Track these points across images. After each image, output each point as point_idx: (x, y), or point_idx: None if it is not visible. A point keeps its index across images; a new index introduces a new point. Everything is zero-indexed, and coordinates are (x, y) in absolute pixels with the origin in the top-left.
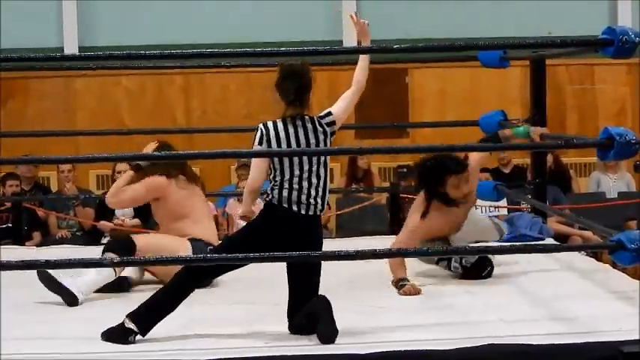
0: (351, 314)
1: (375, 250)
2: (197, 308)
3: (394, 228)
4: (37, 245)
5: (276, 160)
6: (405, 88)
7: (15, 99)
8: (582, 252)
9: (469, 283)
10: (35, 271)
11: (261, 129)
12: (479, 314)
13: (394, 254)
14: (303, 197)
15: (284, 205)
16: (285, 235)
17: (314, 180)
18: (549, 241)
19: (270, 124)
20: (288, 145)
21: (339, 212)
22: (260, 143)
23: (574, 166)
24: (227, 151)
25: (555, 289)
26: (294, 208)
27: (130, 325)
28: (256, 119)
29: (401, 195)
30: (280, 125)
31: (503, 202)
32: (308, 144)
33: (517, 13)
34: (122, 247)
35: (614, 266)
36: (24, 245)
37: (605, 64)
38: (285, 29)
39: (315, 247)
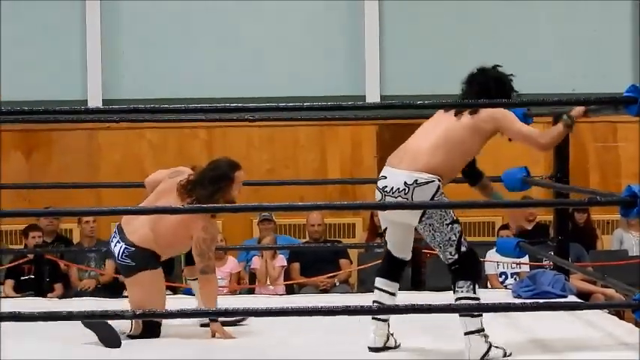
0: None
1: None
2: None
3: (415, 283)
4: (59, 297)
5: None
6: None
7: (39, 151)
8: (605, 310)
9: (493, 335)
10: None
11: None
12: None
13: (414, 309)
14: None
15: None
16: None
17: None
18: (572, 298)
19: None
20: None
21: (360, 267)
22: None
23: (597, 224)
24: (249, 205)
25: (577, 348)
26: None
27: None
28: (279, 174)
29: (424, 250)
30: None
31: (526, 259)
32: None
33: (540, 70)
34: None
35: (637, 324)
36: (46, 297)
37: (628, 122)
38: (309, 84)
39: None
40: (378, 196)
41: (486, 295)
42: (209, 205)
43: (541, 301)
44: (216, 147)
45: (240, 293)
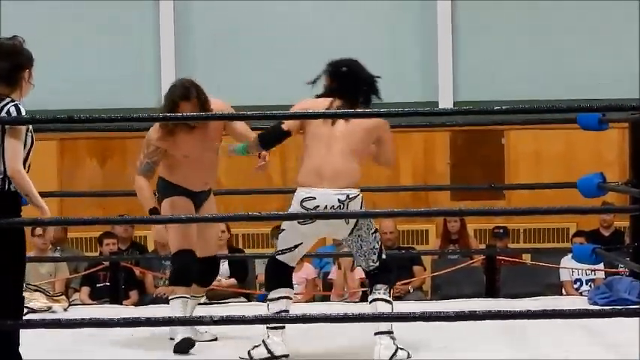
0: None
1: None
2: None
3: (490, 291)
4: (135, 304)
5: None
6: (501, 149)
7: (114, 159)
8: None
9: (569, 342)
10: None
11: None
12: None
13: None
14: None
15: None
16: None
17: None
18: None
19: None
20: None
21: (434, 274)
22: None
23: None
24: (323, 213)
25: None
26: None
27: None
28: None
29: (498, 257)
30: None
31: (600, 266)
32: None
33: (614, 75)
34: None
35: None
36: (121, 304)
37: None
38: (381, 90)
39: None
40: None
41: (562, 302)
42: (286, 213)
43: (619, 307)
44: (289, 153)
45: (315, 300)
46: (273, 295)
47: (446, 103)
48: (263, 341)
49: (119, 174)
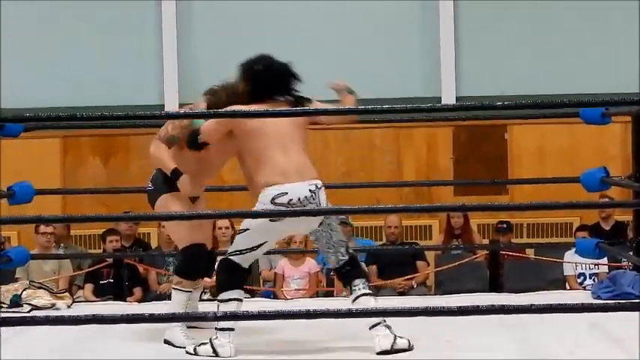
0: None
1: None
2: None
3: (494, 286)
4: (139, 301)
5: None
6: (504, 144)
7: (117, 156)
8: None
9: (572, 337)
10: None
11: None
12: None
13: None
14: None
15: None
16: None
17: None
18: None
19: None
20: None
21: (437, 269)
22: None
23: None
24: (326, 209)
25: None
26: None
27: None
28: (355, 176)
29: (501, 252)
30: None
31: (604, 260)
32: None
33: (616, 69)
34: None
35: None
36: (125, 301)
37: None
38: (383, 86)
39: None
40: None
41: (566, 297)
42: (289, 210)
43: (623, 301)
44: None
45: (318, 295)
46: (223, 296)
47: (449, 98)
48: (210, 340)
49: (122, 171)
